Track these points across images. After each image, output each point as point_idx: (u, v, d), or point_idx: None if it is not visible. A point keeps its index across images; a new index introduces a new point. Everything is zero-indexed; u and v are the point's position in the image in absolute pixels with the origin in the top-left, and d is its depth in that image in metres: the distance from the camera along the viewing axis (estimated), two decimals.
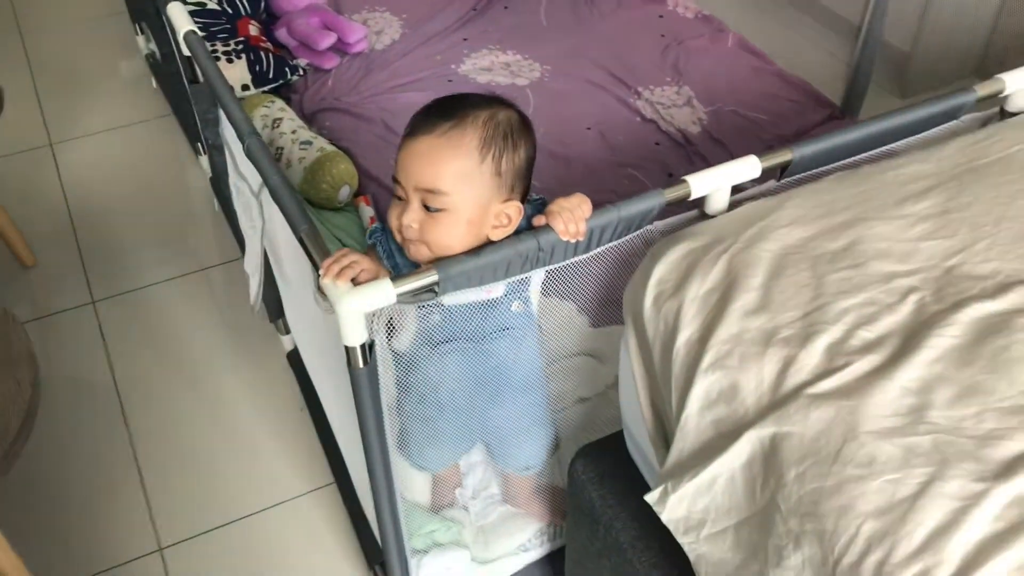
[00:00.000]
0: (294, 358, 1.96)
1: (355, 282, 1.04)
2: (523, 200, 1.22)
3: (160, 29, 2.19)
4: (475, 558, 1.51)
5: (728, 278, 1.03)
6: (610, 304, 1.37)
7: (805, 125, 2.28)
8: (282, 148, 2.22)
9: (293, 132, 2.25)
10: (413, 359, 1.25)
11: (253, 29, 2.60)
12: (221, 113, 1.43)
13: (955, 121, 1.31)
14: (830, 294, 0.99)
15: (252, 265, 1.51)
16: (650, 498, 1.04)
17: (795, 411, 0.90)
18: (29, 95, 2.79)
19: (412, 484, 1.54)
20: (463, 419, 1.34)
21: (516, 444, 1.42)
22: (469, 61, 2.58)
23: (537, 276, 1.21)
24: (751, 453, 0.93)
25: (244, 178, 1.40)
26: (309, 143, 2.21)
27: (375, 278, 1.04)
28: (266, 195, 1.27)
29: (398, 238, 1.17)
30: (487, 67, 2.56)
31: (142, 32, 2.87)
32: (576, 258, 1.16)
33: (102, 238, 2.30)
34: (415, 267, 1.18)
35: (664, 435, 1.08)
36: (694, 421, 0.99)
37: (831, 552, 0.84)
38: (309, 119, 2.40)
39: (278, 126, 2.27)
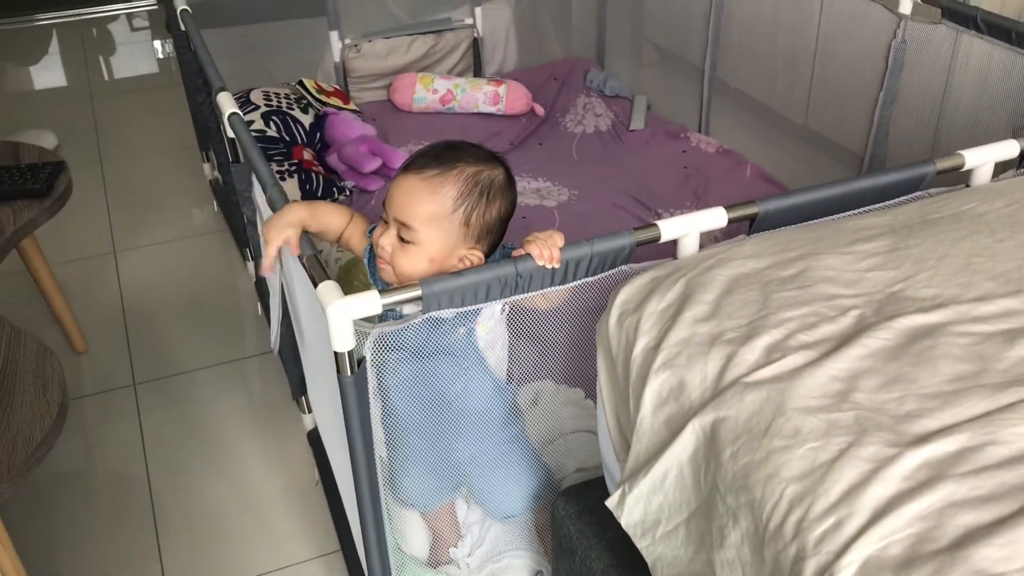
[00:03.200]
0: (314, 437, 2.04)
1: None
2: (494, 250, 1.34)
3: (219, 144, 2.43)
4: None
5: (684, 296, 1.12)
6: None
7: None
8: (321, 251, 2.39)
9: None
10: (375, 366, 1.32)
11: (307, 154, 2.84)
12: (254, 179, 1.60)
13: (919, 192, 1.41)
14: (775, 307, 1.07)
15: (274, 305, 1.64)
16: (610, 503, 1.10)
17: (731, 396, 0.97)
18: (101, 211, 3.05)
19: (410, 537, 1.58)
20: (426, 445, 1.40)
21: (492, 488, 1.47)
22: None
23: (488, 310, 1.30)
24: (695, 443, 0.99)
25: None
26: None
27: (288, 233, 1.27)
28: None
29: (377, 253, 1.33)
30: (519, 191, 2.74)
31: (208, 160, 3.15)
32: (552, 288, 1.26)
33: (150, 331, 2.47)
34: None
35: (628, 449, 1.14)
36: (648, 422, 1.06)
37: (760, 519, 0.89)
38: None
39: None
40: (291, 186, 2.64)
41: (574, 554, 1.29)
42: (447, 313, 1.21)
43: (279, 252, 1.50)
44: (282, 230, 1.29)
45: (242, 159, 1.74)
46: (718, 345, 1.03)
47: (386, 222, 1.33)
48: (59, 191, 2.00)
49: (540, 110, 3.18)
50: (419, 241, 1.29)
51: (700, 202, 2.62)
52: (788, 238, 1.23)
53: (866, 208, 1.38)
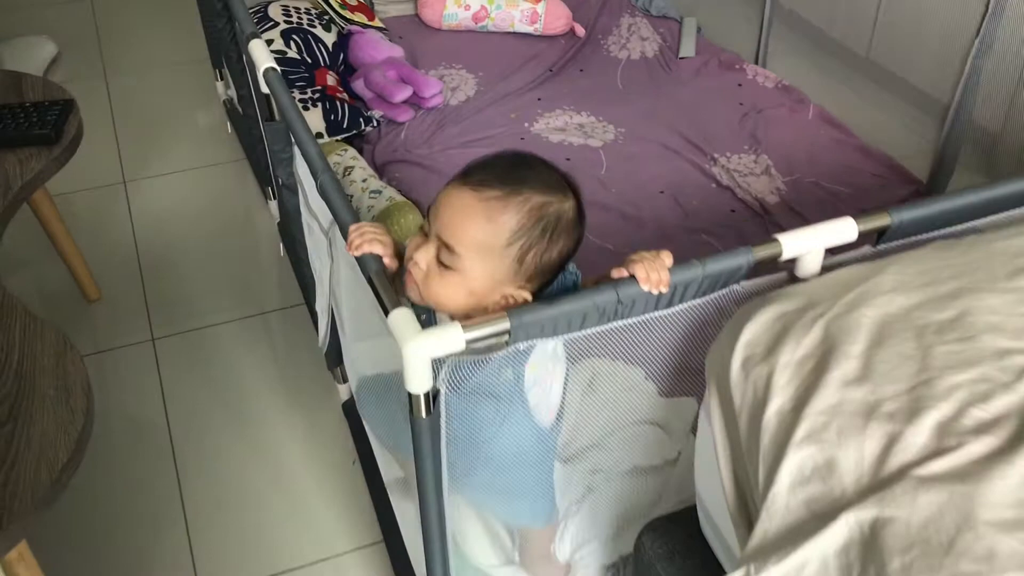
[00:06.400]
0: (350, 408, 1.90)
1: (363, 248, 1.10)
2: (545, 287, 1.15)
3: (240, 74, 2.21)
4: None
5: (825, 344, 0.96)
6: (683, 373, 1.30)
7: (889, 200, 2.20)
8: (351, 196, 2.20)
9: (364, 181, 2.24)
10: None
11: (330, 79, 2.61)
12: (296, 151, 1.41)
13: None
14: (938, 368, 0.91)
15: (322, 305, 1.47)
16: None
17: (901, 493, 0.82)
18: (108, 134, 2.84)
19: (466, 535, 1.46)
20: None
21: (495, 505, 1.33)
22: (543, 120, 2.56)
23: (540, 349, 1.12)
24: (848, 537, 0.84)
25: (316, 216, 1.37)
26: (379, 192, 2.19)
27: (383, 244, 1.11)
28: (336, 233, 1.23)
29: (407, 266, 1.12)
30: (561, 127, 2.53)
31: (222, 78, 2.92)
32: (655, 313, 1.09)
33: (167, 276, 2.30)
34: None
35: (746, 512, 1.00)
36: (783, 499, 0.91)
37: None
38: (380, 170, 2.40)
39: (349, 174, 2.26)
40: (314, 116, 2.43)
41: None
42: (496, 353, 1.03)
43: (329, 242, 1.33)
44: (381, 238, 1.13)
45: (278, 118, 1.54)
46: (876, 419, 0.87)
47: (426, 234, 1.12)
48: (69, 136, 1.80)
49: (581, 31, 2.93)
50: (461, 269, 1.08)
51: (759, 146, 2.41)
52: (934, 264, 1.05)
53: (1007, 214, 1.20)
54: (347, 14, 2.80)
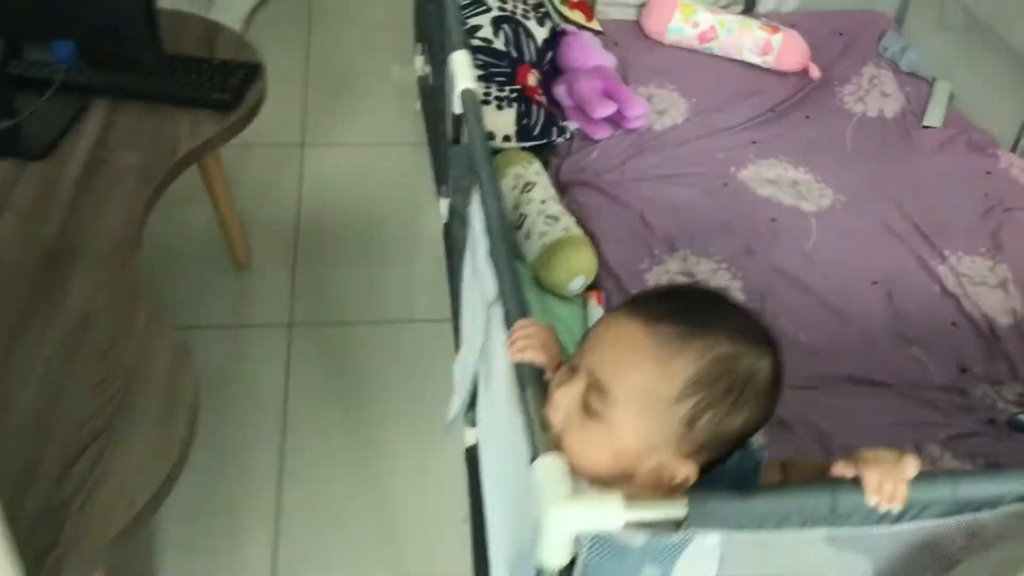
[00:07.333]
0: (472, 456, 1.73)
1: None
2: (713, 465, 0.90)
3: (439, 64, 2.05)
4: None
5: None
6: None
7: None
8: (526, 216, 2.02)
9: (543, 202, 2.04)
10: None
11: (532, 79, 2.42)
12: (475, 189, 1.22)
13: None
14: None
15: (461, 373, 1.29)
16: None
17: None
18: (299, 87, 2.74)
19: None
20: None
21: None
22: (753, 167, 2.29)
23: (697, 544, 0.88)
24: None
25: (478, 276, 1.18)
26: (555, 219, 1.99)
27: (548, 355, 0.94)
28: (497, 314, 1.03)
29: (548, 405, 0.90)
30: (772, 179, 2.26)
31: (422, 53, 2.78)
32: (872, 530, 0.84)
33: (320, 258, 2.18)
34: None
35: None
36: None
37: None
38: (562, 188, 2.20)
39: (528, 191, 2.08)
40: (507, 117, 2.25)
41: None
42: (637, 540, 0.81)
43: (486, 332, 1.13)
44: (547, 346, 0.97)
45: (464, 140, 1.35)
46: None
47: (574, 368, 0.90)
48: (248, 105, 1.68)
49: (816, 72, 2.62)
50: (611, 421, 0.86)
51: (999, 252, 2.07)
52: None
53: None
54: (565, 11, 2.60)
